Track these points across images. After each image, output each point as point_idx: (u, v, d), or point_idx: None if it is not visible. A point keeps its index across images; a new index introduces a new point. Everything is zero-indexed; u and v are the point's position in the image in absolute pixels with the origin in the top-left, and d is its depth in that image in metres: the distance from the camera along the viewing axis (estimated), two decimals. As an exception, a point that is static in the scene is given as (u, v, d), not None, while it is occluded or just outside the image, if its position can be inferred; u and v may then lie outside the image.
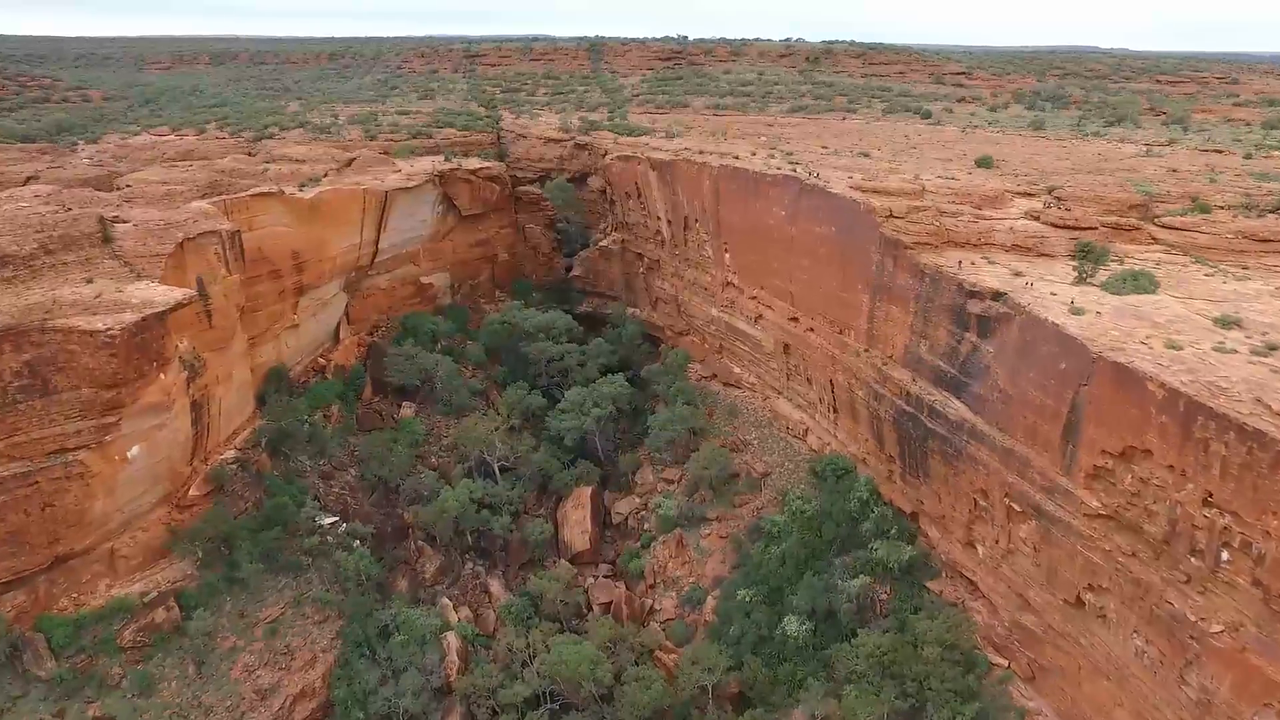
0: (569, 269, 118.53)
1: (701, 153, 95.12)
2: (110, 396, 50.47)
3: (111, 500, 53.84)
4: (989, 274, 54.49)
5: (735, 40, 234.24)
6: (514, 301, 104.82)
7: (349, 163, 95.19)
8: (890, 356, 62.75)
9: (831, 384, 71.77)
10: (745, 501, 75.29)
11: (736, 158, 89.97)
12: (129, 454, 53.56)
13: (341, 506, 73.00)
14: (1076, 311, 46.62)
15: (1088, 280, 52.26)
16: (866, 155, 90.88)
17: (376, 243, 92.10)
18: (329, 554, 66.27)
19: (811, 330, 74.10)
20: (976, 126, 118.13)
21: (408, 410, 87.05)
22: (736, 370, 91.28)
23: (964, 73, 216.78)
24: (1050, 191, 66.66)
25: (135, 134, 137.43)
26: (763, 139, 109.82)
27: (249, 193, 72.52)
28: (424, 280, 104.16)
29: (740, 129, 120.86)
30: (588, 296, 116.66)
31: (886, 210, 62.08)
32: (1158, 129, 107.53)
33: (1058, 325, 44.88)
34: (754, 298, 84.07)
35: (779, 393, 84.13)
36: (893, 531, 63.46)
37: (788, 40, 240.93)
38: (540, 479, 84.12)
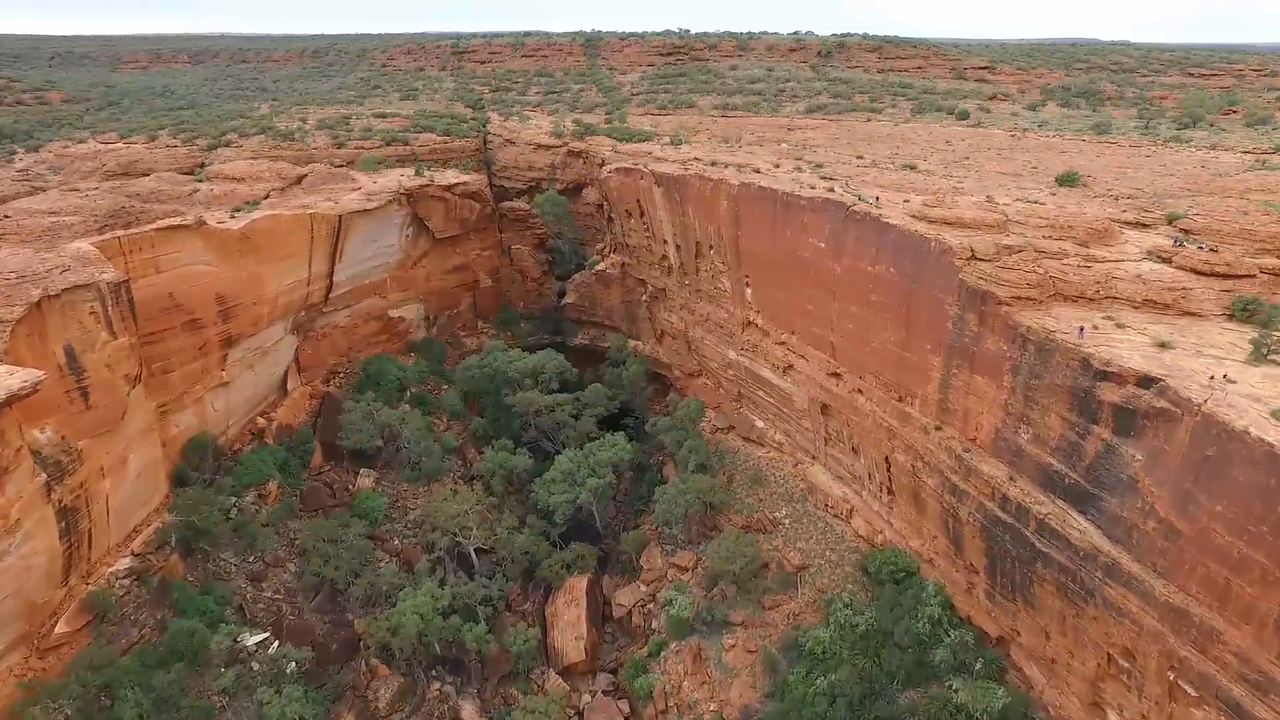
0: (562, 294, 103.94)
1: (714, 164, 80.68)
2: (-94, 534, 36.04)
3: (-72, 664, 39.42)
4: (1122, 343, 39.95)
5: (741, 34, 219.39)
6: (494, 342, 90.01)
7: (299, 180, 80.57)
8: (973, 440, 48.23)
9: (887, 461, 57.27)
10: (777, 604, 60.76)
11: (758, 171, 75.53)
12: (-50, 602, 39.12)
13: (275, 616, 58.49)
14: (1283, 416, 32.15)
15: (1270, 357, 37.74)
16: (912, 168, 76.43)
17: (330, 275, 77.58)
18: (251, 690, 51.82)
19: (859, 392, 59.55)
20: (1025, 129, 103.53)
21: (366, 480, 72.40)
22: (759, 424, 76.77)
23: (986, 67, 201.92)
24: (1172, 221, 52.15)
25: (82, 141, 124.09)
26: (783, 146, 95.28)
27: (153, 226, 57.82)
28: (392, 314, 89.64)
29: (755, 133, 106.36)
30: (583, 327, 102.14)
31: (967, 250, 47.53)
32: (1244, 131, 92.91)
33: (1270, 444, 30.34)
34: (782, 343, 69.55)
35: (813, 458, 69.65)
36: (977, 665, 49.08)
37: (796, 34, 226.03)
38: (526, 562, 69.64)
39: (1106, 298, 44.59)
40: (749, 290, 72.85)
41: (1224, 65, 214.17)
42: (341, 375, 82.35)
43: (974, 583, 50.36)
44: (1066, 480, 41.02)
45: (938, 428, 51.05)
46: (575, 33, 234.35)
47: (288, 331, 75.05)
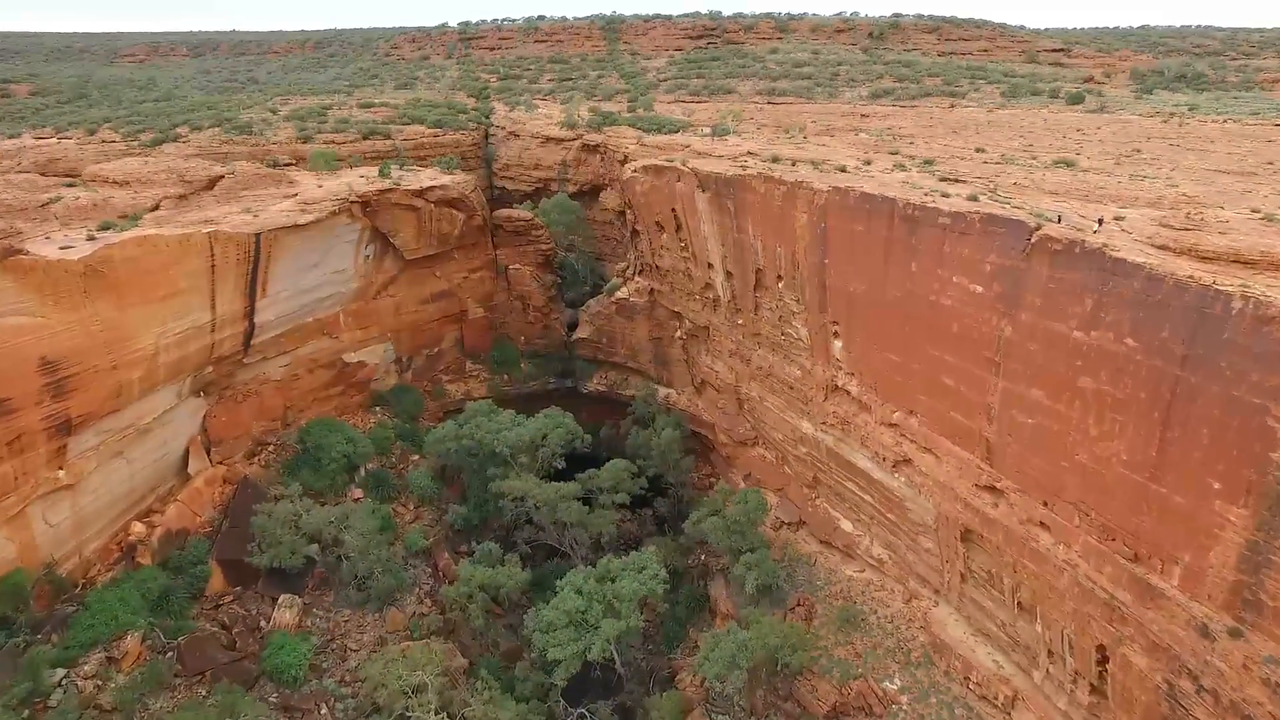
0: (573, 326, 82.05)
1: (776, 160, 58.52)
2: None
3: None
4: None
5: (780, 15, 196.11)
6: (475, 403, 67.58)
7: (211, 183, 59.15)
8: (1327, 676, 25.60)
9: (1101, 652, 34.61)
10: None
11: (844, 170, 53.20)
12: None
13: None
14: None
15: None
16: (1069, 164, 53.61)
17: (249, 315, 56.04)
18: None
19: (1042, 526, 36.87)
20: (1173, 114, 79.93)
21: (286, 613, 50.43)
22: (846, 527, 54.35)
23: (1062, 49, 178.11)
24: None
25: (15, 136, 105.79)
26: (862, 136, 72.72)
27: (-87, 260, 36.46)
28: (349, 359, 68.07)
29: (818, 121, 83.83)
30: (599, 368, 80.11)
31: (1317, 316, 24.89)
32: None
33: None
34: (892, 425, 46.95)
35: (937, 592, 47.09)
36: None
37: (842, 14, 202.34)
38: (515, 736, 47.69)
39: None
40: (838, 343, 50.35)
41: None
42: (273, 447, 60.89)
43: None
44: None
45: (1234, 633, 28.38)
46: (594, 15, 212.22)
47: (186, 395, 53.67)
